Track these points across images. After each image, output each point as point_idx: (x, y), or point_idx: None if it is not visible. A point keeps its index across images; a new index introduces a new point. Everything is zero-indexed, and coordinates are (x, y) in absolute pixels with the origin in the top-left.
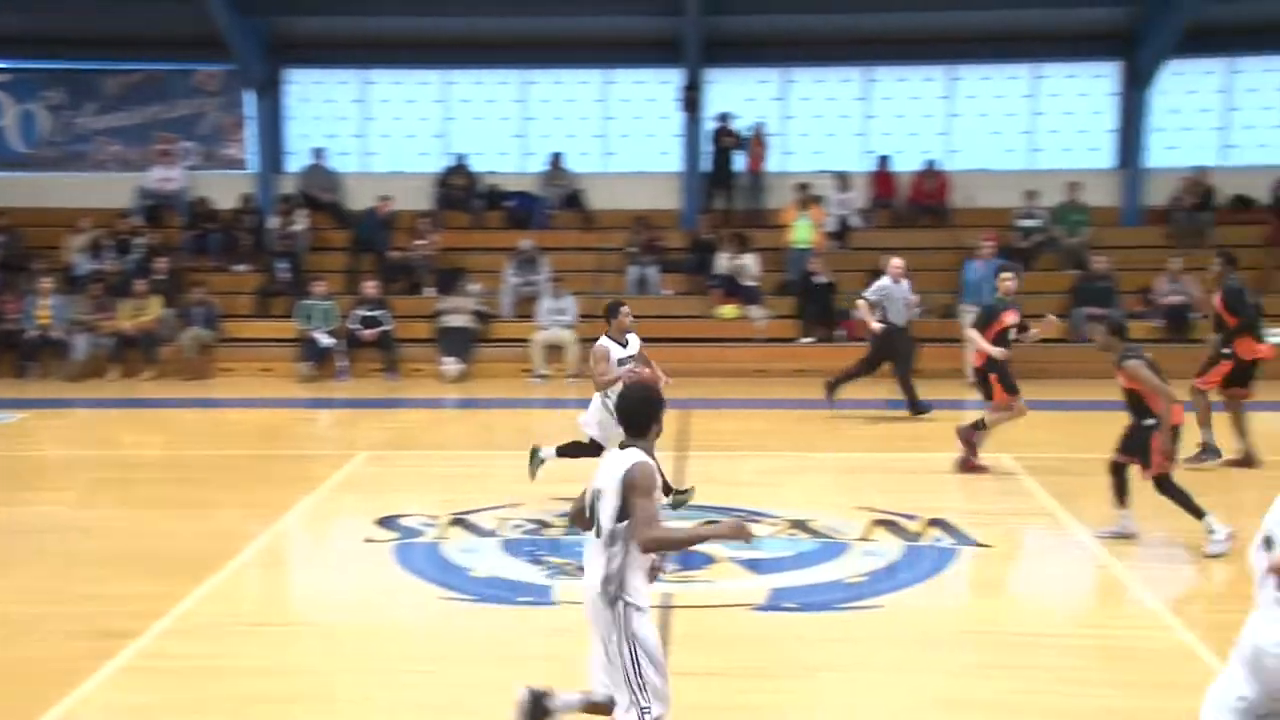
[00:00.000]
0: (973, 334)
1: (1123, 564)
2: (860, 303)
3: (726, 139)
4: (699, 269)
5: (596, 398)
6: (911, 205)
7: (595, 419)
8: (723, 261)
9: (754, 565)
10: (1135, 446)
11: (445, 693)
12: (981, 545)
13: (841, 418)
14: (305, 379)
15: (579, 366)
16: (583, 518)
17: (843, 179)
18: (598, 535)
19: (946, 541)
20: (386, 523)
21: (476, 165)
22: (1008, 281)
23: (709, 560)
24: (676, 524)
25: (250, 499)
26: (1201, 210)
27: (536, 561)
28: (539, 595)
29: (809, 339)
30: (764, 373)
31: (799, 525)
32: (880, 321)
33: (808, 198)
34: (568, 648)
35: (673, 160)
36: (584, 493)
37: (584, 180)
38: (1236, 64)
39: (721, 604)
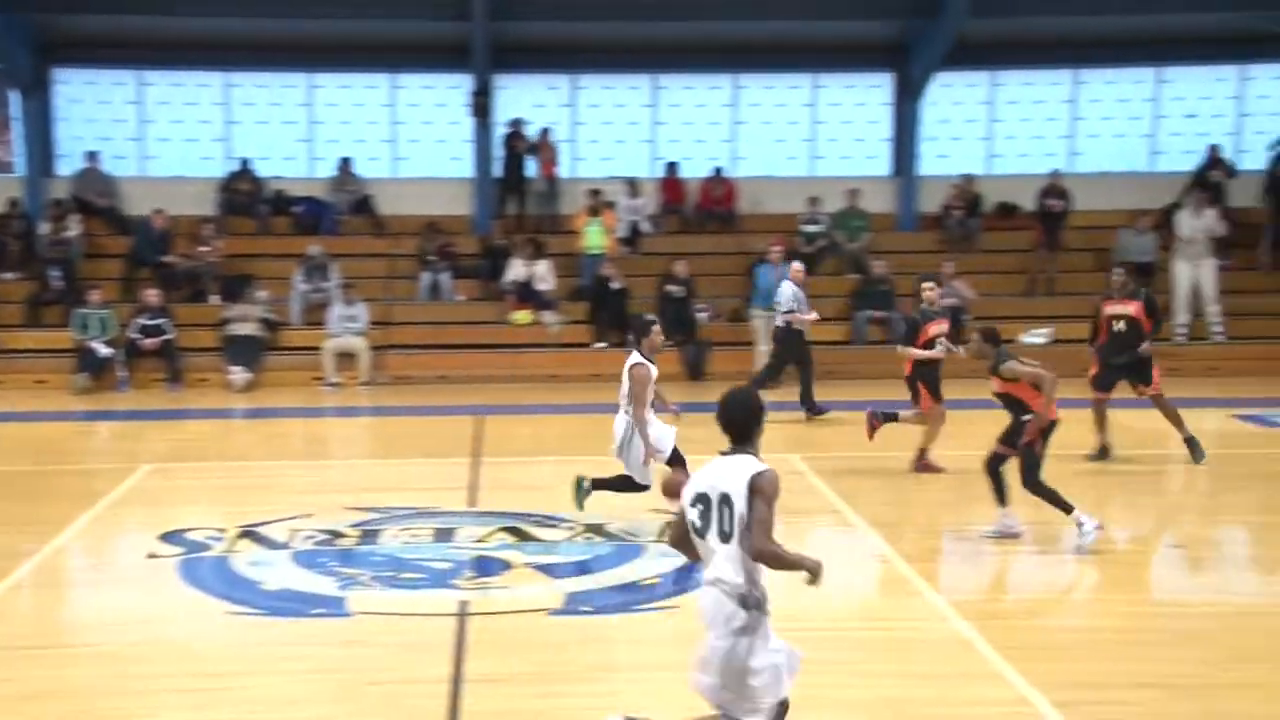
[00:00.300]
0: (903, 350)
1: (904, 559)
2: (789, 316)
3: (518, 144)
4: (492, 275)
5: (623, 420)
6: (700, 211)
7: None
8: (516, 267)
9: (550, 570)
10: (1015, 440)
11: (236, 709)
12: None
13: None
14: (82, 391)
15: (371, 374)
16: (682, 529)
17: (633, 185)
18: (725, 541)
19: None
20: (171, 538)
21: (262, 170)
22: (929, 291)
23: (506, 566)
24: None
25: (25, 516)
26: (971, 216)
27: (329, 573)
28: (332, 607)
29: (602, 344)
30: (558, 378)
31: (594, 529)
32: (784, 324)
33: (599, 204)
34: (362, 660)
35: (464, 166)
36: (682, 513)
37: (374, 186)
38: (999, 77)
39: (518, 609)
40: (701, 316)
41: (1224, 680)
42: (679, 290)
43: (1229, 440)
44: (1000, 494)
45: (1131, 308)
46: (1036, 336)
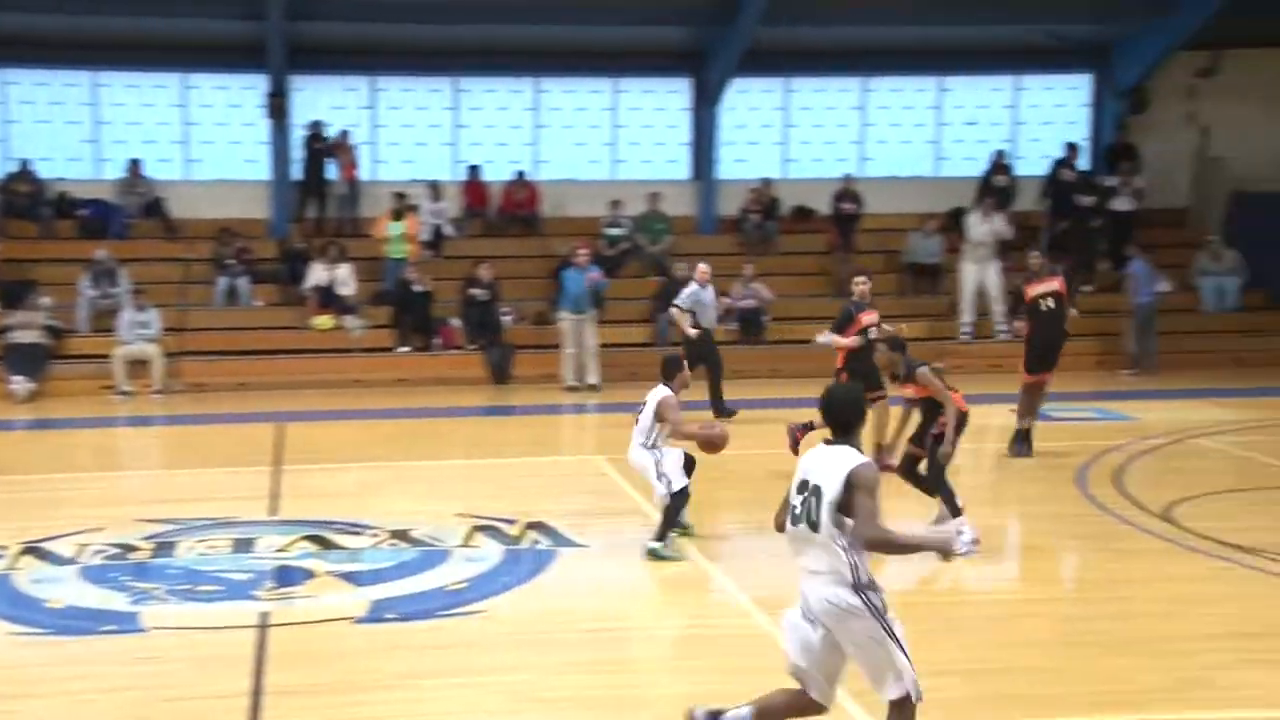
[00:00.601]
0: (832, 337)
1: (707, 557)
2: (675, 312)
3: (318, 146)
4: (292, 279)
5: (645, 454)
6: (503, 215)
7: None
8: (317, 271)
9: (354, 578)
10: (924, 440)
11: None
12: (579, 545)
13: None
14: None
15: (165, 382)
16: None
17: (435, 188)
18: (816, 530)
19: (545, 544)
20: None
21: (44, 171)
22: (861, 285)
23: (309, 575)
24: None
25: None
26: (768, 219)
27: (121, 588)
28: (124, 623)
29: (406, 348)
30: (361, 383)
31: (400, 535)
32: (694, 327)
33: (402, 207)
34: (156, 677)
35: (261, 168)
36: (787, 498)
37: (165, 188)
38: (792, 84)
39: (322, 619)
40: (506, 320)
41: (1021, 665)
42: (483, 294)
43: (1009, 433)
44: (951, 505)
45: (1056, 283)
46: (826, 339)
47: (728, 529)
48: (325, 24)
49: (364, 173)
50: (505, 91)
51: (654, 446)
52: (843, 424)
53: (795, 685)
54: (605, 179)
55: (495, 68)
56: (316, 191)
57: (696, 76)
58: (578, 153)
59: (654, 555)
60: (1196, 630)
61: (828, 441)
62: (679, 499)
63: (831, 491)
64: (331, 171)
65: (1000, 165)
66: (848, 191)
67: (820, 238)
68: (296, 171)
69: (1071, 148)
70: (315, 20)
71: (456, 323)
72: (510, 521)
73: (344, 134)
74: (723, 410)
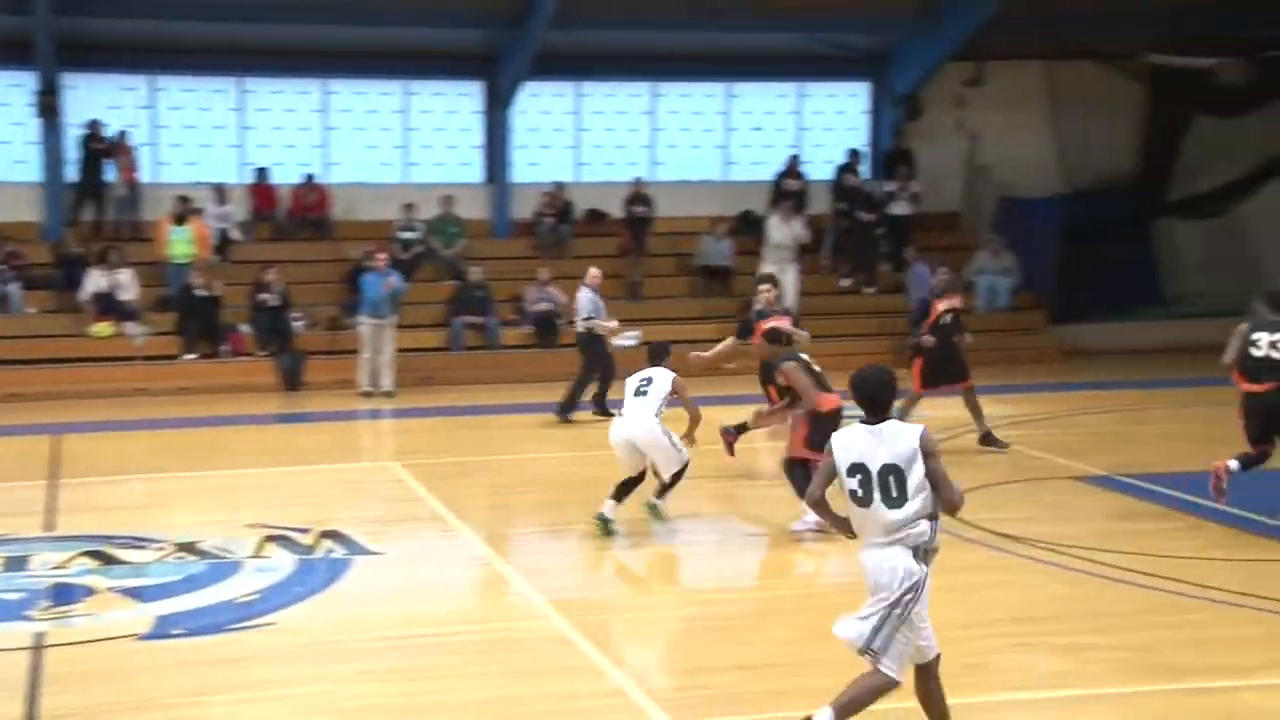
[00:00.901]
0: (728, 342)
1: (505, 561)
2: (589, 323)
3: (95, 147)
4: (67, 285)
5: (656, 424)
6: (292, 218)
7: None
8: (96, 277)
9: (138, 594)
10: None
11: None
12: (374, 553)
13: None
14: None
15: None
16: (822, 492)
17: (220, 191)
18: (897, 506)
19: (340, 552)
20: None
21: None
22: (767, 293)
23: (89, 592)
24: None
25: None
26: (562, 223)
27: None
28: None
29: (192, 355)
30: (145, 392)
31: (187, 548)
32: (584, 331)
33: (186, 210)
34: None
35: (31, 169)
36: (830, 475)
37: None
38: (583, 88)
39: (103, 637)
40: (297, 325)
41: (806, 658)
42: (273, 299)
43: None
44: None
45: (957, 300)
46: (626, 340)
47: (526, 532)
48: (99, 20)
49: (145, 175)
50: (292, 93)
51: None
52: (880, 404)
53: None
54: (397, 182)
55: (282, 68)
56: (94, 194)
57: (488, 80)
58: (369, 155)
59: (655, 512)
60: (975, 617)
61: (865, 421)
62: (685, 467)
63: (913, 466)
64: (110, 173)
65: (793, 169)
66: (639, 195)
67: (613, 241)
68: (72, 173)
69: (854, 153)
70: (88, 16)
71: (245, 329)
72: (304, 531)
73: (123, 134)
74: (603, 410)
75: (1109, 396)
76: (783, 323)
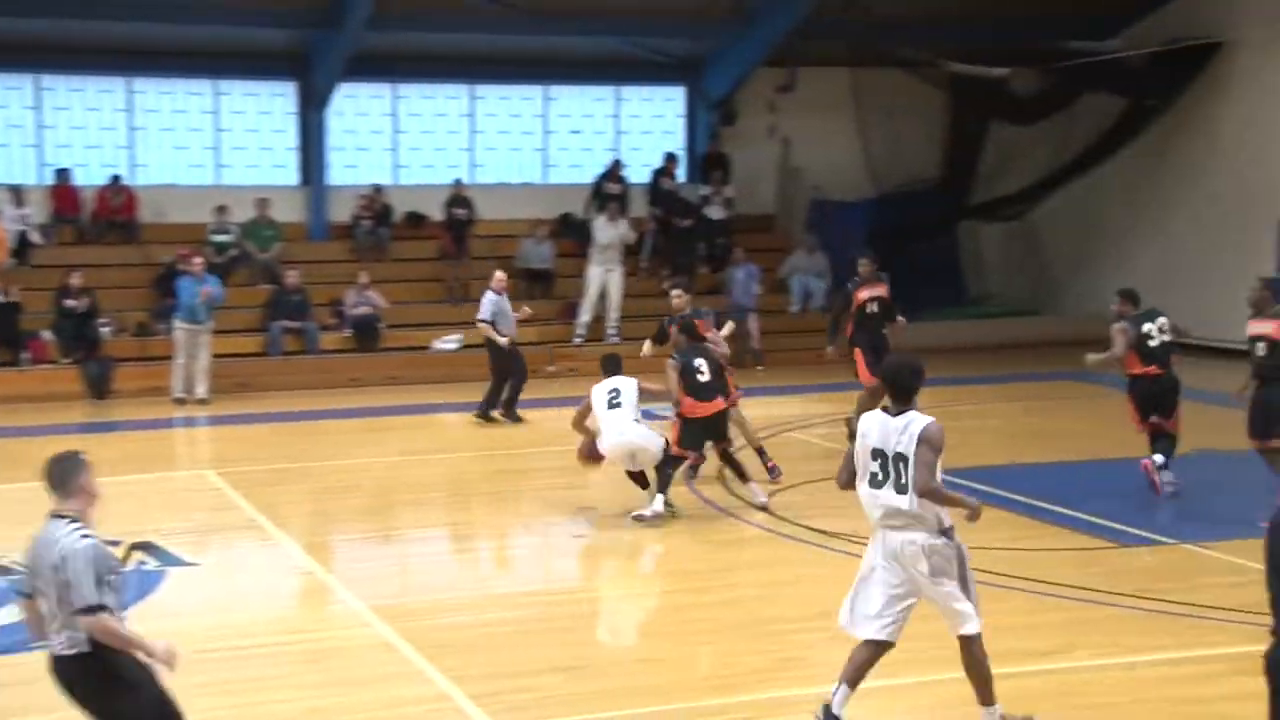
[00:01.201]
0: (647, 345)
1: (326, 568)
2: (482, 325)
3: None
4: None
5: (639, 424)
6: (97, 221)
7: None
8: None
9: None
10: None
11: None
12: (190, 564)
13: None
14: None
15: None
16: (852, 473)
17: (17, 193)
18: (903, 493)
19: (152, 564)
20: None
21: None
22: (678, 299)
23: None
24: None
25: None
26: (380, 226)
27: None
28: None
29: None
30: None
31: None
32: (501, 335)
33: None
34: None
35: None
36: (857, 457)
37: None
38: (400, 89)
39: None
40: (104, 331)
41: (630, 658)
42: (77, 304)
43: None
44: (739, 474)
45: (881, 289)
46: (447, 343)
47: (348, 538)
48: None
49: None
50: (94, 91)
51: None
52: (906, 392)
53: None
54: (209, 184)
55: (82, 66)
56: None
57: (302, 80)
58: (178, 156)
59: (669, 507)
60: (792, 612)
61: (889, 410)
62: (671, 458)
63: (912, 454)
64: None
65: (615, 172)
66: (459, 197)
67: (434, 244)
68: None
69: (670, 157)
70: None
71: (48, 335)
72: (114, 543)
73: None
74: (513, 416)
75: None
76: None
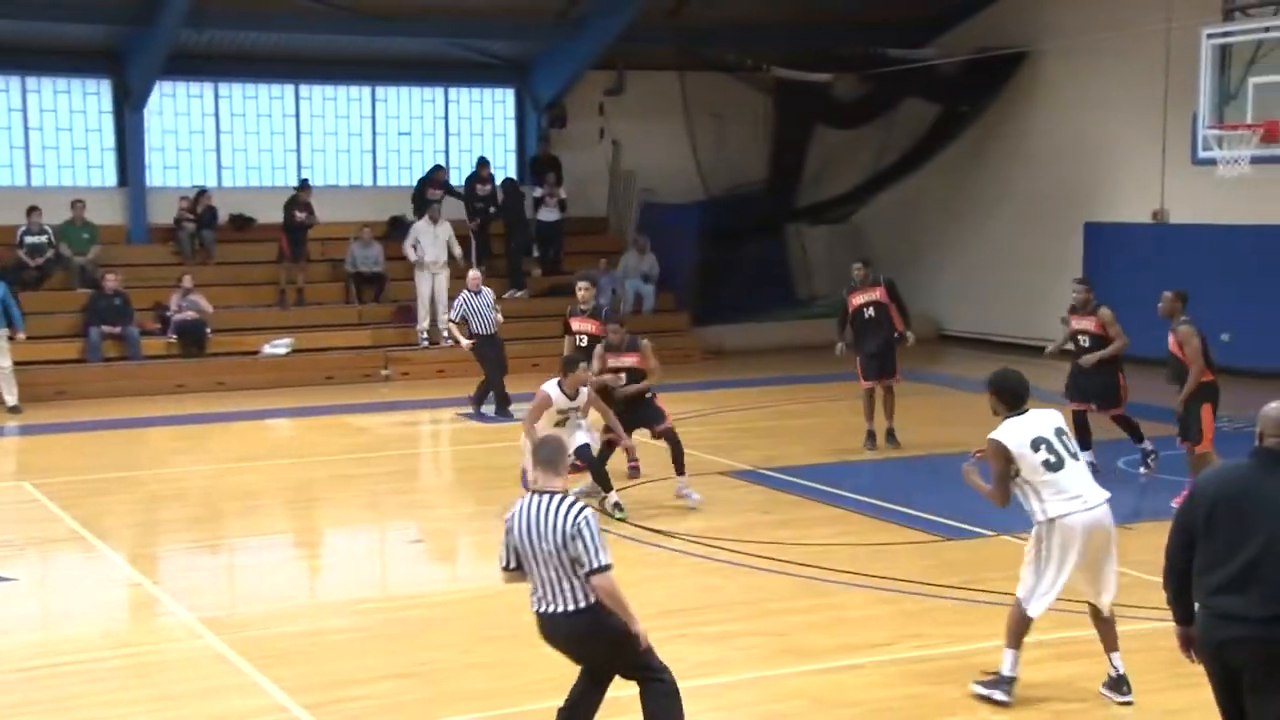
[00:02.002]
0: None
1: (153, 580)
2: (450, 324)
3: None
4: None
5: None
6: None
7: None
8: None
9: None
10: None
11: None
12: (6, 580)
13: None
14: None
15: None
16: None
17: None
18: (1076, 458)
19: None
20: None
21: None
22: (584, 291)
23: None
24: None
25: None
26: (204, 228)
27: None
28: None
29: None
30: None
31: None
32: (470, 335)
33: None
34: None
35: None
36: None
37: None
38: (223, 89)
39: None
40: None
41: (462, 662)
42: None
43: (457, 437)
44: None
45: (877, 293)
46: (277, 347)
47: (174, 549)
48: None
49: None
50: None
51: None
52: (1019, 397)
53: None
54: (20, 185)
55: None
56: None
57: (116, 78)
58: None
59: (616, 506)
60: None
61: (1018, 411)
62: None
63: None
64: None
65: (436, 177)
66: (299, 200)
67: (261, 247)
68: None
69: (483, 161)
70: None
71: None
72: None
73: None
74: (478, 413)
75: (750, 394)
76: (587, 325)
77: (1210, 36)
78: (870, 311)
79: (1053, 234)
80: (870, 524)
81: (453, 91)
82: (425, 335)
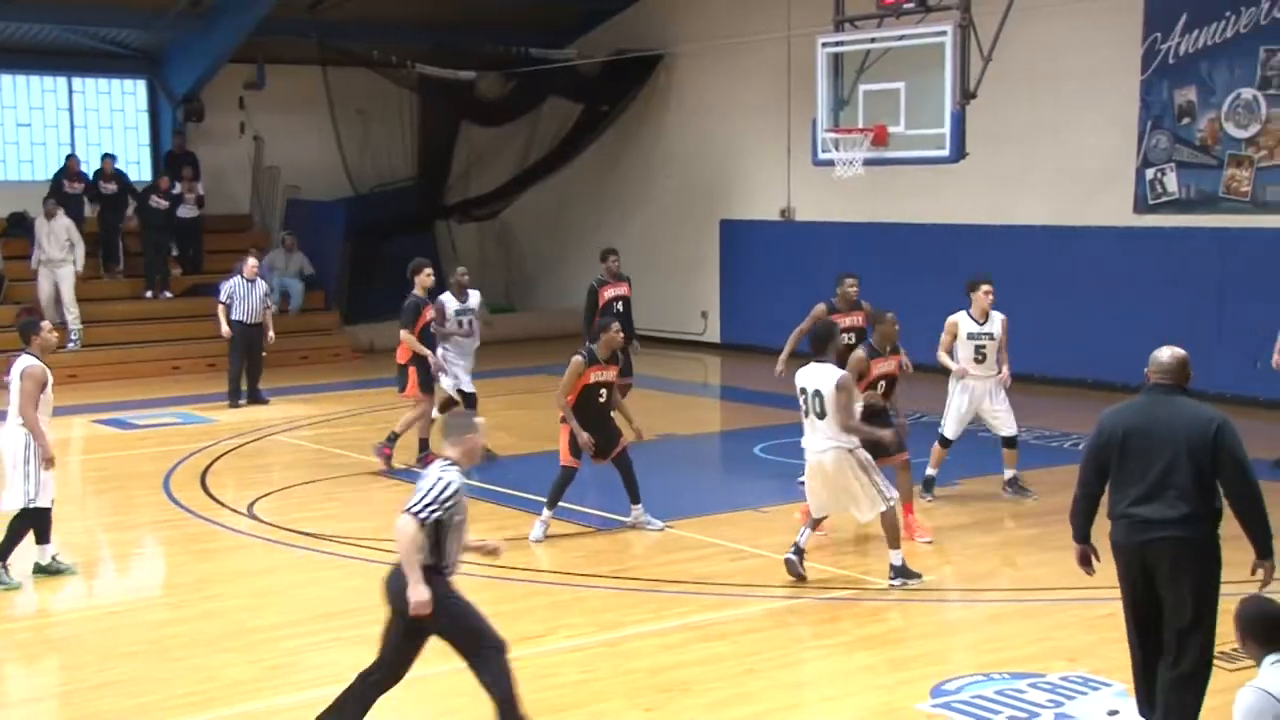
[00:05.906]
0: (403, 333)
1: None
2: (220, 307)
3: None
4: None
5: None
6: None
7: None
8: None
9: None
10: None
11: None
12: None
13: None
14: None
15: None
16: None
17: None
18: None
19: None
20: None
21: None
22: (427, 278)
23: None
24: None
25: None
26: None
27: None
28: None
29: None
30: None
31: None
32: (233, 321)
33: None
34: None
35: None
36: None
37: None
38: None
39: None
40: None
41: (92, 682)
42: None
43: (93, 444)
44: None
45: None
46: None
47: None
48: None
49: None
50: None
51: None
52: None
53: None
54: None
55: None
56: None
57: None
58: None
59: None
60: (280, 619)
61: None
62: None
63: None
64: None
65: (73, 169)
66: None
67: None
68: None
69: (108, 157)
70: None
71: None
72: None
73: None
74: (237, 400)
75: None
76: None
77: (825, 45)
78: (619, 307)
79: (691, 230)
80: (518, 517)
81: (77, 81)
82: (77, 338)
